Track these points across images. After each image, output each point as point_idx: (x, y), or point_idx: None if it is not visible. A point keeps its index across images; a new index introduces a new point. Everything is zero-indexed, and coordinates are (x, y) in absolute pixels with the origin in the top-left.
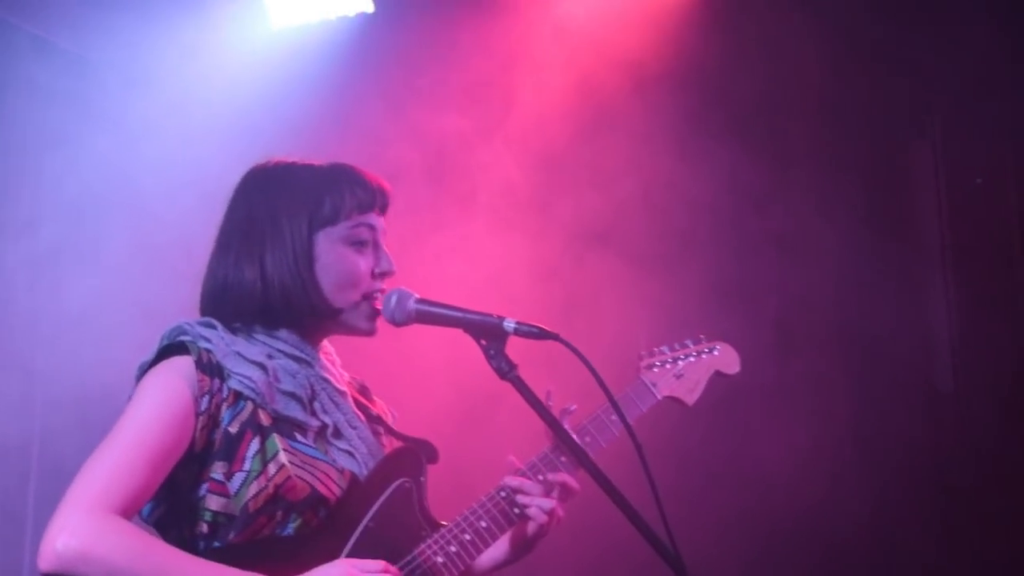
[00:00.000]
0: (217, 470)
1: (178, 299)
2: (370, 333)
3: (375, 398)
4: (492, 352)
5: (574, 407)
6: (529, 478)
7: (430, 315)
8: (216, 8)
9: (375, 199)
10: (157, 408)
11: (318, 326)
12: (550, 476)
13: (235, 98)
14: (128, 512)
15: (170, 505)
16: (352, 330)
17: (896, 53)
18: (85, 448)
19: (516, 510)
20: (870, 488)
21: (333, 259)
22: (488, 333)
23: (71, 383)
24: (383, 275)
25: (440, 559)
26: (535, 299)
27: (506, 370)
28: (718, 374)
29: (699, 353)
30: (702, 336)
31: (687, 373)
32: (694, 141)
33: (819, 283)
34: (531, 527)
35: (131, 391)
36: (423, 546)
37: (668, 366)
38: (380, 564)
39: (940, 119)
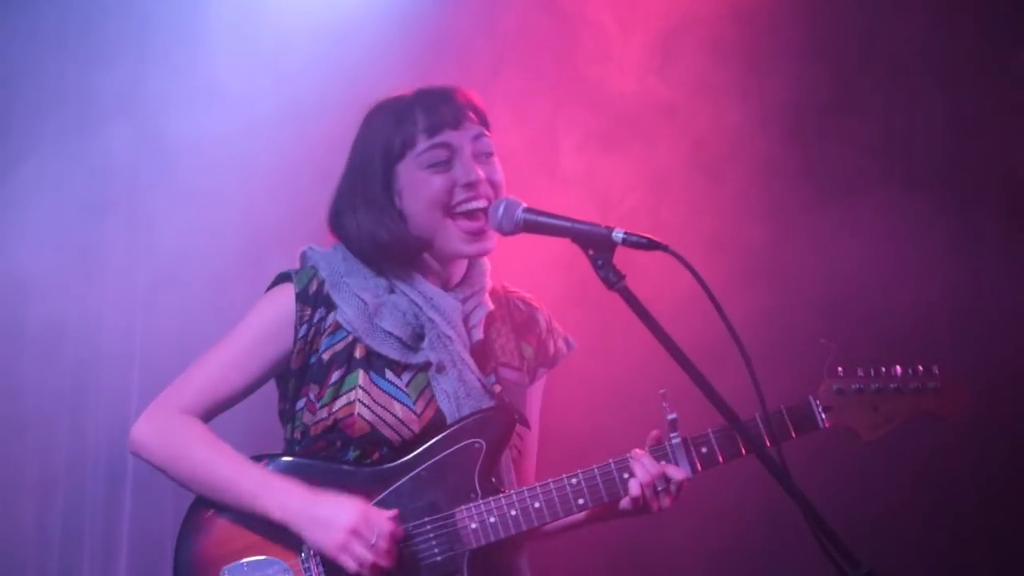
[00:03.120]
0: (312, 391)
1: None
2: (471, 255)
3: (546, 329)
4: (600, 262)
5: (673, 415)
6: (655, 458)
7: (538, 224)
8: None
9: (445, 118)
10: (256, 329)
11: (427, 258)
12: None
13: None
14: (209, 415)
15: (285, 407)
16: (452, 254)
17: None
18: None
19: (580, 501)
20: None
21: (413, 186)
22: (596, 243)
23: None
24: (468, 186)
25: (473, 525)
26: None
27: (613, 280)
28: (930, 415)
29: (913, 387)
30: (920, 366)
31: (883, 405)
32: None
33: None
34: (626, 503)
35: None
36: (462, 508)
37: (860, 393)
38: (388, 526)
39: None
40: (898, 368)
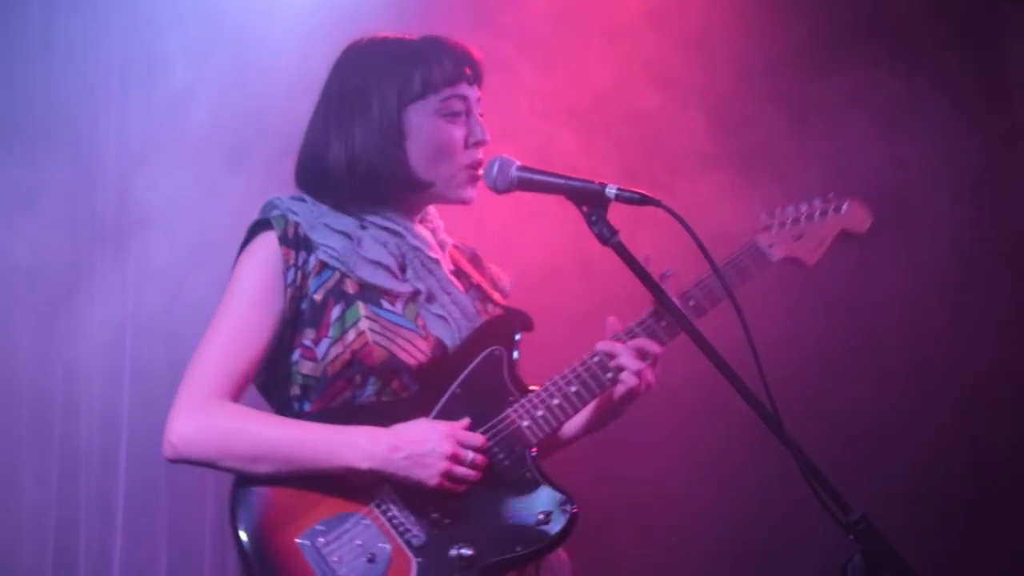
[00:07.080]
0: (307, 337)
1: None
2: (467, 201)
3: (488, 265)
4: (594, 218)
5: (671, 271)
6: (622, 342)
7: (532, 182)
8: None
9: (463, 71)
10: (251, 289)
11: (412, 198)
12: (643, 343)
13: None
14: (237, 394)
15: (271, 370)
16: (448, 200)
17: None
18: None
19: (608, 375)
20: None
21: (426, 132)
22: (590, 199)
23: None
24: (477, 144)
25: (526, 423)
26: None
27: (608, 236)
28: (845, 233)
29: (825, 211)
30: (831, 193)
31: (809, 232)
32: None
33: None
34: (619, 390)
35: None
36: (509, 411)
37: (788, 227)
38: (478, 440)
39: None
40: (814, 199)
